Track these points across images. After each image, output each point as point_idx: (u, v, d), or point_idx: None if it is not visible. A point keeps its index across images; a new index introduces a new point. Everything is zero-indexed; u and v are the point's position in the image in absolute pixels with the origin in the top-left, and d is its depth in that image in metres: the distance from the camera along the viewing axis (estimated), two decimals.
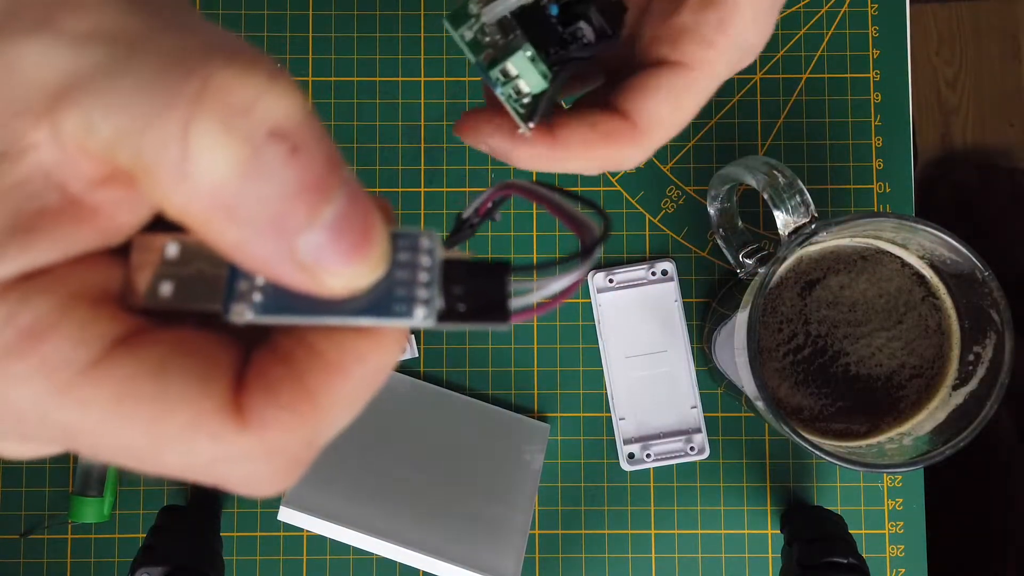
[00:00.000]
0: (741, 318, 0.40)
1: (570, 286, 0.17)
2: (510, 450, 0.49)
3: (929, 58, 0.65)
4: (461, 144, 0.51)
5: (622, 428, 0.50)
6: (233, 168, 0.13)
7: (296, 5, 0.51)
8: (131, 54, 0.13)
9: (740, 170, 0.43)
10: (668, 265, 0.50)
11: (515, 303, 0.17)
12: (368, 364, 0.16)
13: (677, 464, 0.50)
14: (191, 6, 0.16)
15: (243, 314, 0.15)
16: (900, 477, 0.50)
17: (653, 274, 0.50)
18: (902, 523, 0.50)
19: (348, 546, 0.49)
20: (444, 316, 0.16)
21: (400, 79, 0.51)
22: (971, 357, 0.42)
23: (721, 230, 0.46)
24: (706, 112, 0.51)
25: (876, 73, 0.51)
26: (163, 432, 0.14)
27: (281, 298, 0.15)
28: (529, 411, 0.50)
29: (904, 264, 0.43)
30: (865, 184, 0.51)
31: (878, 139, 0.51)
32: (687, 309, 0.50)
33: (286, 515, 0.46)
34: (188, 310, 0.16)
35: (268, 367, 0.15)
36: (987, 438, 0.40)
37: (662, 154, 0.51)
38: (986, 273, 0.39)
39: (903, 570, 0.50)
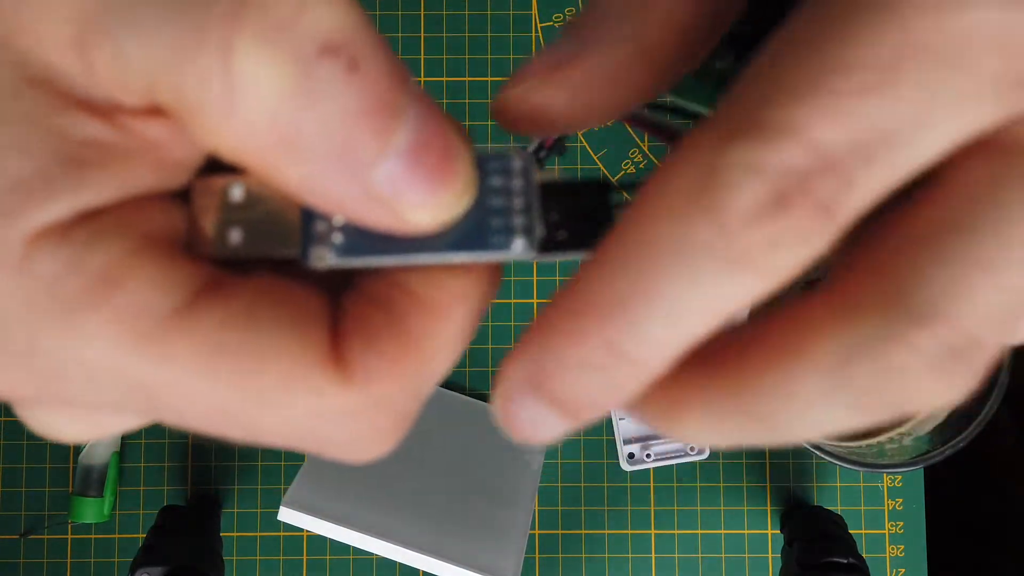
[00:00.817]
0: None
1: None
2: (510, 450, 0.49)
3: None
4: None
5: (622, 428, 0.50)
6: (287, 93, 0.12)
7: None
8: None
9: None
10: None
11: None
12: (469, 302, 0.14)
13: (677, 464, 0.50)
14: None
15: (324, 258, 0.14)
16: (900, 477, 0.50)
17: None
18: (902, 523, 0.50)
19: (348, 546, 0.49)
20: (545, 245, 0.14)
21: None
22: None
23: None
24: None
25: None
26: (259, 388, 0.13)
27: (364, 237, 0.14)
28: None
29: None
30: None
31: None
32: None
33: (286, 515, 0.46)
34: (262, 257, 0.14)
35: (364, 313, 0.14)
36: (987, 438, 0.41)
37: (662, 152, 0.51)
38: None
39: (903, 570, 0.50)
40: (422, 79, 0.51)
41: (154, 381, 0.13)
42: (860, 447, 0.43)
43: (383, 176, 0.12)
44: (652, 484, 0.50)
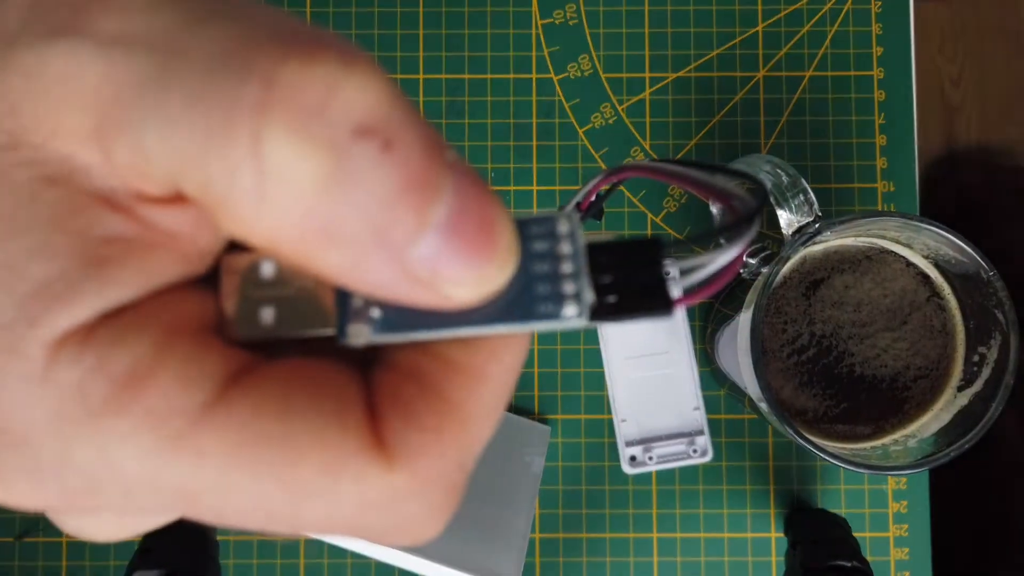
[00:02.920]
0: (744, 319, 0.41)
1: (732, 262, 0.15)
2: (510, 453, 0.49)
3: (932, 56, 0.65)
4: (460, 143, 0.51)
5: (623, 430, 0.51)
6: (320, 181, 0.11)
7: (293, 2, 0.52)
8: (174, 58, 0.12)
9: (743, 168, 0.43)
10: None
11: (675, 287, 0.14)
12: (506, 361, 0.14)
13: (679, 467, 0.51)
14: None
15: (362, 335, 0.13)
16: (905, 479, 0.50)
17: None
18: (907, 526, 0.50)
19: (346, 550, 0.49)
20: (596, 311, 0.14)
21: (398, 76, 0.52)
22: (976, 358, 0.43)
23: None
24: (708, 110, 0.52)
25: (879, 71, 0.52)
26: (299, 480, 0.12)
27: (403, 312, 0.13)
28: (529, 413, 0.51)
29: (909, 264, 0.44)
30: (869, 183, 0.52)
31: (882, 137, 0.52)
32: (689, 309, 0.51)
33: None
34: (295, 336, 0.14)
35: (399, 387, 0.13)
36: (993, 440, 0.41)
37: (664, 152, 0.52)
38: (991, 273, 0.40)
39: (907, 573, 0.50)
40: (421, 77, 0.52)
41: (189, 483, 0.12)
42: (864, 449, 0.44)
43: (422, 255, 0.12)
44: (654, 487, 0.51)
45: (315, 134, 0.11)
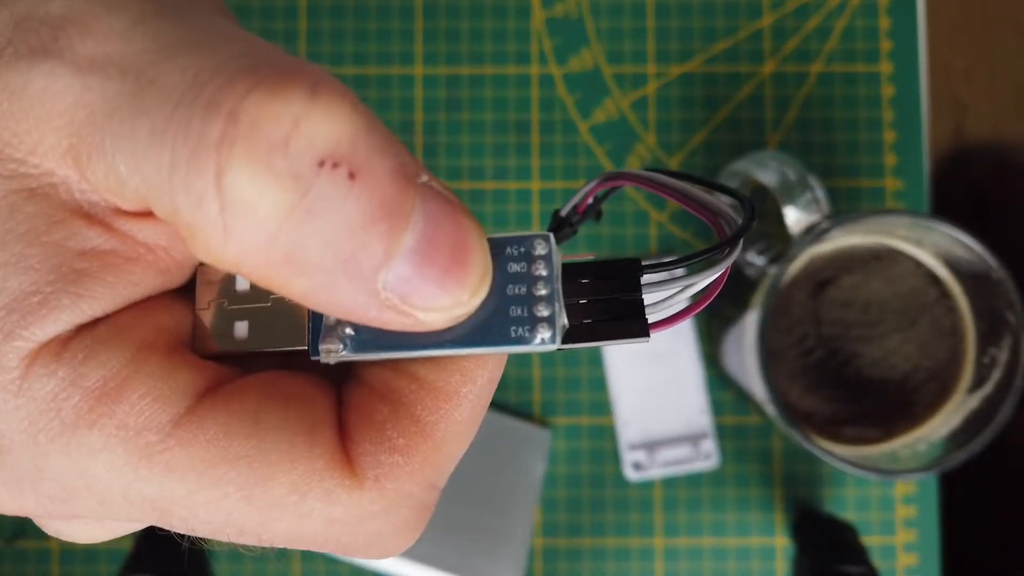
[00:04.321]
0: (750, 319, 0.41)
1: (713, 284, 0.15)
2: (510, 457, 0.49)
3: (942, 50, 0.65)
4: (458, 140, 0.51)
5: (627, 434, 0.50)
6: (284, 214, 0.12)
7: None
8: (144, 87, 0.12)
9: (750, 166, 0.43)
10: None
11: (652, 311, 0.15)
12: (479, 382, 0.14)
13: (683, 473, 0.51)
14: (219, 10, 0.15)
15: (334, 353, 0.14)
16: (914, 484, 0.50)
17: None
18: (916, 531, 0.50)
19: (341, 559, 0.49)
20: (569, 335, 0.14)
21: (395, 71, 0.51)
22: (986, 359, 0.43)
23: None
24: (713, 106, 0.52)
25: (888, 66, 0.52)
26: (268, 498, 0.13)
27: (376, 331, 0.13)
28: (529, 417, 0.51)
29: (918, 264, 0.44)
30: (877, 180, 0.52)
31: (891, 134, 0.52)
32: None
33: None
34: (268, 351, 0.14)
35: (370, 406, 0.14)
36: (1003, 443, 0.41)
37: (668, 149, 0.52)
38: (1002, 273, 0.40)
39: None
40: (419, 72, 0.52)
41: (161, 498, 0.13)
42: (873, 453, 0.44)
43: (391, 281, 0.12)
44: (657, 492, 0.51)
45: (277, 168, 0.12)
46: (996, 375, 0.42)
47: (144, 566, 0.43)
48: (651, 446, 0.51)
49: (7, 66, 0.13)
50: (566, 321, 0.14)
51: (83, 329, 0.13)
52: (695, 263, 0.15)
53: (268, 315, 0.14)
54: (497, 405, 0.51)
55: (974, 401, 0.43)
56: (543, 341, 0.14)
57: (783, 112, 0.52)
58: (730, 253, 0.15)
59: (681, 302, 0.15)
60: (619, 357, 0.51)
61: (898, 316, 0.44)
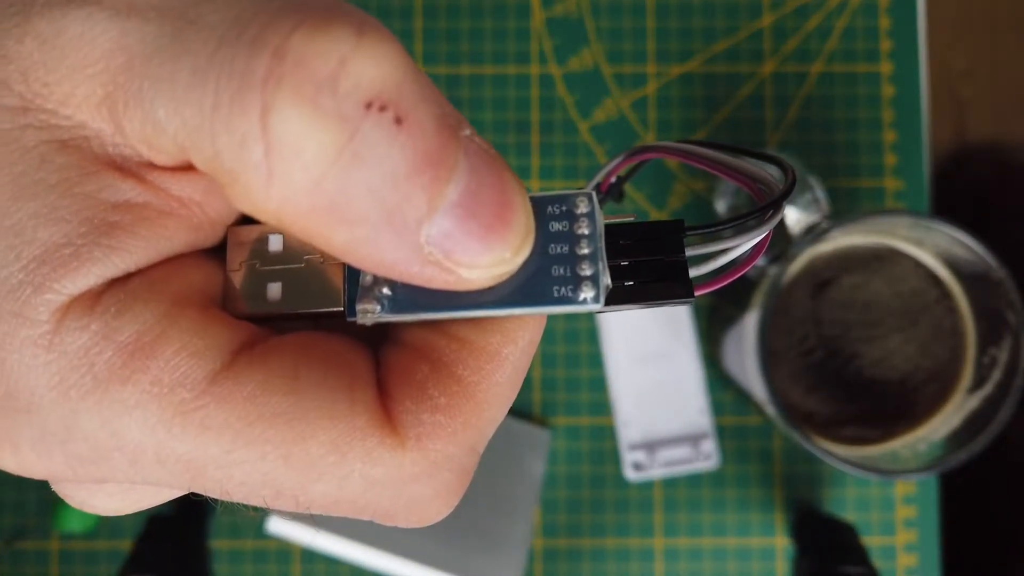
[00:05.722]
0: (751, 320, 0.41)
1: (756, 247, 0.15)
2: (510, 458, 0.50)
3: (942, 50, 0.66)
4: None
5: (627, 434, 0.51)
6: (331, 157, 0.11)
7: None
8: (184, 28, 0.12)
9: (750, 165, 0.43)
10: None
11: (696, 271, 0.14)
12: (521, 343, 0.14)
13: (683, 473, 0.51)
14: None
15: (371, 314, 0.13)
16: (914, 484, 0.51)
17: None
18: (916, 531, 0.50)
19: (340, 559, 0.50)
20: (612, 296, 0.14)
21: None
22: (987, 360, 0.43)
23: (729, 228, 0.47)
24: (713, 106, 0.52)
25: (888, 66, 0.52)
26: (307, 458, 0.13)
27: (415, 290, 0.13)
28: (529, 417, 0.51)
29: (919, 264, 0.44)
30: (878, 181, 0.52)
31: (891, 134, 0.52)
32: (695, 310, 0.51)
33: (277, 526, 0.47)
34: (302, 313, 0.14)
35: (410, 366, 0.14)
36: (1004, 443, 0.41)
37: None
38: (1002, 273, 0.40)
39: None
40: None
41: (194, 457, 0.12)
42: (873, 453, 0.44)
43: (434, 235, 0.12)
44: (657, 493, 0.51)
45: (325, 108, 0.11)
46: (996, 375, 0.42)
47: (144, 566, 0.43)
48: (651, 446, 0.51)
49: (39, 14, 0.12)
50: (610, 281, 0.14)
51: (115, 283, 0.12)
52: (739, 225, 0.15)
53: (301, 276, 0.14)
54: None
55: (974, 401, 0.43)
56: (586, 300, 0.13)
57: (783, 112, 0.52)
58: (773, 215, 0.14)
59: (724, 264, 0.15)
60: (619, 357, 0.51)
61: (898, 316, 0.44)
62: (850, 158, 0.52)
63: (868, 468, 0.40)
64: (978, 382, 0.43)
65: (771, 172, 0.15)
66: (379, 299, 0.13)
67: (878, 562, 0.50)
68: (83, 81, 0.12)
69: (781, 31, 0.52)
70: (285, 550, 0.50)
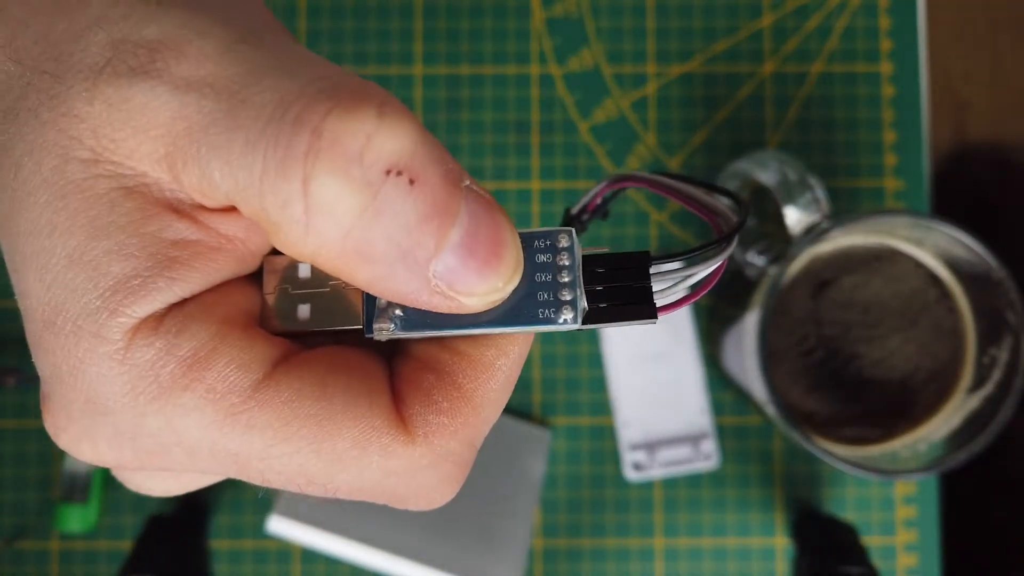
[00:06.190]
0: (750, 320, 0.41)
1: (712, 274, 0.17)
2: (510, 458, 0.50)
3: (942, 50, 0.66)
4: (458, 140, 0.52)
5: (627, 434, 0.51)
6: (357, 213, 0.14)
7: None
8: (237, 106, 0.14)
9: (750, 165, 0.44)
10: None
11: (659, 297, 0.17)
12: (512, 355, 0.17)
13: (683, 473, 0.51)
14: (285, 32, 0.17)
15: (386, 331, 0.16)
16: (914, 484, 0.51)
17: None
18: (916, 531, 0.51)
19: (340, 560, 0.50)
20: (588, 317, 0.17)
21: (395, 71, 0.52)
22: (987, 360, 0.43)
23: None
24: (713, 106, 0.52)
25: (889, 66, 0.52)
26: (334, 451, 0.15)
27: (423, 312, 0.16)
28: (529, 417, 0.51)
29: (919, 264, 0.44)
30: (878, 181, 0.52)
31: (891, 134, 0.52)
32: (695, 310, 0.51)
33: (277, 525, 0.47)
34: (326, 329, 0.17)
35: (418, 375, 0.16)
36: (1004, 443, 0.41)
37: (668, 149, 0.52)
38: (1002, 273, 0.40)
39: None
40: (419, 72, 0.52)
41: (243, 451, 0.15)
42: (873, 453, 0.44)
43: (440, 271, 0.15)
44: (657, 493, 0.51)
45: (354, 176, 0.14)
46: (996, 375, 0.42)
47: (144, 566, 0.43)
48: (651, 446, 0.51)
49: (106, 82, 0.15)
50: (586, 304, 0.16)
51: (174, 307, 0.15)
52: (696, 256, 0.17)
53: (326, 299, 0.17)
54: None
55: (974, 401, 0.43)
56: (566, 321, 0.16)
57: (783, 112, 0.52)
58: (726, 247, 0.17)
59: (683, 290, 0.17)
60: (619, 357, 0.51)
61: (898, 316, 0.44)
62: (850, 158, 0.52)
63: (868, 468, 0.40)
64: (978, 382, 0.43)
65: (727, 206, 0.18)
66: (392, 319, 0.16)
67: (878, 562, 0.50)
68: (146, 140, 0.15)
69: (781, 31, 0.52)
70: (285, 550, 0.50)
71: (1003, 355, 0.42)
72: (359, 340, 0.17)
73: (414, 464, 0.16)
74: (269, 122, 0.14)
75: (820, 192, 0.42)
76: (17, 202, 0.15)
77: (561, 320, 0.16)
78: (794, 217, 0.41)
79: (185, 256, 0.15)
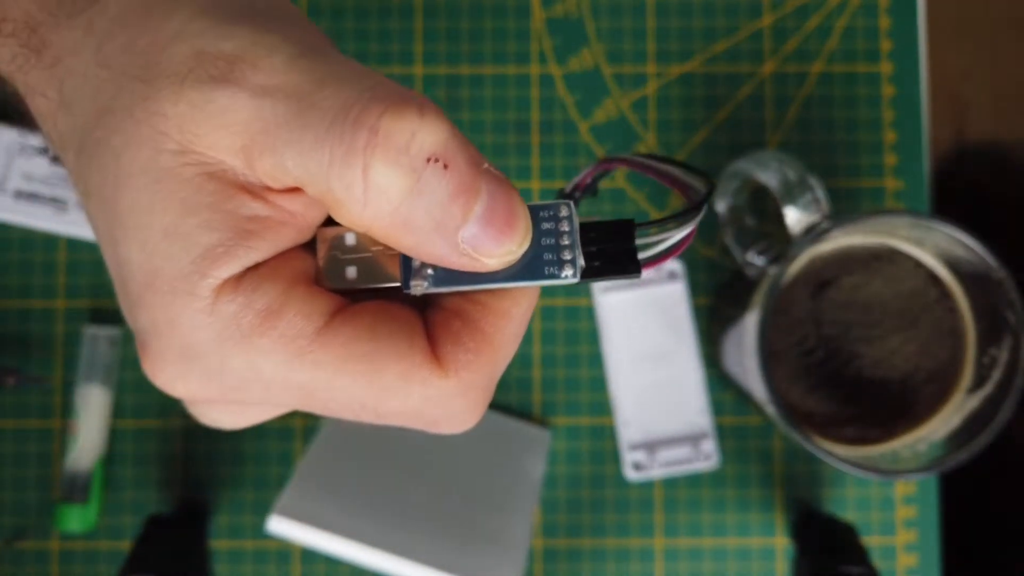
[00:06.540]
0: (750, 320, 0.41)
1: (686, 237, 0.20)
2: (510, 458, 0.50)
3: (942, 50, 0.66)
4: None
5: (627, 434, 0.51)
6: (404, 193, 0.18)
7: None
8: (305, 109, 0.18)
9: (750, 165, 0.44)
10: (675, 265, 0.51)
11: (642, 255, 0.20)
12: (523, 305, 0.20)
13: (683, 473, 0.51)
14: (334, 46, 0.21)
15: (421, 287, 0.20)
16: (914, 484, 0.51)
17: (659, 274, 0.51)
18: (915, 531, 0.51)
19: (340, 560, 0.50)
20: (585, 273, 0.20)
21: (395, 71, 0.52)
22: (987, 359, 0.43)
23: (729, 228, 0.47)
24: (713, 106, 0.52)
25: (888, 65, 0.52)
26: (383, 383, 0.19)
27: (450, 271, 0.19)
28: (529, 417, 0.51)
29: (919, 264, 0.44)
30: (878, 181, 0.52)
31: (891, 134, 0.52)
32: (695, 310, 0.51)
33: (277, 525, 0.47)
34: (371, 287, 0.20)
35: (448, 322, 0.20)
36: (1004, 443, 0.42)
37: (668, 149, 0.52)
38: (1002, 273, 0.40)
39: None
40: (419, 71, 0.52)
41: (309, 384, 0.19)
42: (873, 453, 0.44)
43: (466, 237, 0.18)
44: (657, 493, 0.51)
45: (403, 164, 0.18)
46: (996, 375, 0.42)
47: (144, 566, 0.43)
48: (651, 446, 0.51)
49: (190, 87, 0.18)
50: (583, 262, 0.20)
51: (250, 270, 0.19)
52: (672, 222, 0.20)
53: (369, 262, 0.20)
54: (497, 405, 0.51)
55: (975, 401, 0.43)
56: (567, 276, 0.19)
57: (783, 112, 0.52)
58: (696, 215, 0.20)
59: (662, 249, 0.21)
60: (619, 357, 0.51)
61: (898, 316, 0.44)
62: (850, 158, 0.52)
63: (868, 468, 0.40)
64: (978, 382, 0.43)
65: (698, 182, 0.21)
66: (425, 277, 0.20)
67: (878, 562, 0.50)
68: (226, 135, 0.18)
69: (781, 31, 0.52)
70: (285, 550, 0.50)
71: (1003, 355, 0.42)
72: (397, 295, 0.20)
73: (447, 393, 0.19)
74: (333, 122, 0.18)
75: (820, 192, 0.42)
76: (120, 185, 0.18)
77: (564, 275, 0.19)
78: (794, 217, 0.41)
79: (258, 228, 0.19)
